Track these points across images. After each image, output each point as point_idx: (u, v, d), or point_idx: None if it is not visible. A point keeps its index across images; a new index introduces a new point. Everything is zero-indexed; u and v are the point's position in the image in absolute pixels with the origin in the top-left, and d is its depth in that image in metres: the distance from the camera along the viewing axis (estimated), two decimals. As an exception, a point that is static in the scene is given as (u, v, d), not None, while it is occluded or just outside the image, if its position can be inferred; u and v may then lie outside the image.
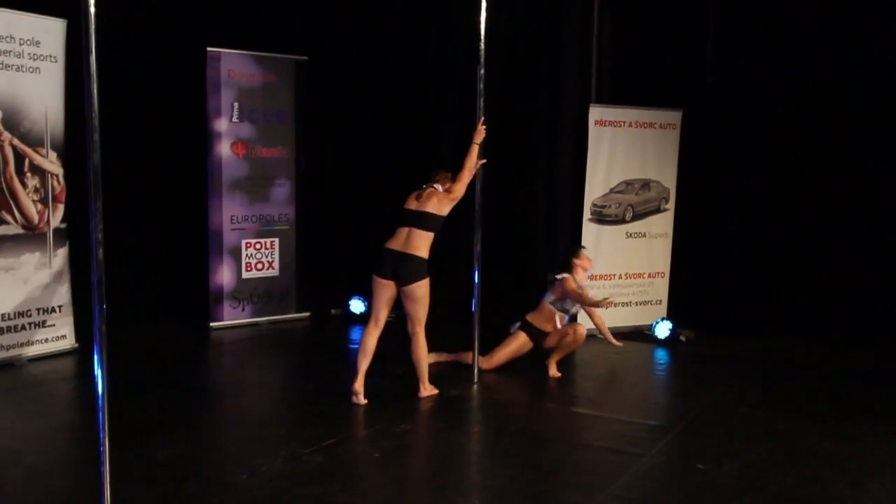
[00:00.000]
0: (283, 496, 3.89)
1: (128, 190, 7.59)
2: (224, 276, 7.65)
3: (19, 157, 6.20)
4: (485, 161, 5.73)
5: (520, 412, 5.33)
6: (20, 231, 6.25)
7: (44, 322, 6.45)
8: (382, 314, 5.45)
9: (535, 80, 8.01)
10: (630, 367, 6.43)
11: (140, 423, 4.86)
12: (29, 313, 6.33)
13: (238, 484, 4.04)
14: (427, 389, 5.54)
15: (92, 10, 3.26)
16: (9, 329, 6.19)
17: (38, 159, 6.35)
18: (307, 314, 8.17)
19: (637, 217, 7.78)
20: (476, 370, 5.99)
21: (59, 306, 6.55)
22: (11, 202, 6.18)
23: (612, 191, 7.69)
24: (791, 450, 4.63)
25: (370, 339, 5.44)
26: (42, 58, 6.29)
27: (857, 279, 7.30)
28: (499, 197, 7.68)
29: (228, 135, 7.56)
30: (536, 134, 8.05)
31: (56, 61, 6.39)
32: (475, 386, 5.89)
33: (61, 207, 6.53)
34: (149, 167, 7.93)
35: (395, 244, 5.35)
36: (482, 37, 5.74)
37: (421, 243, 5.31)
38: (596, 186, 7.63)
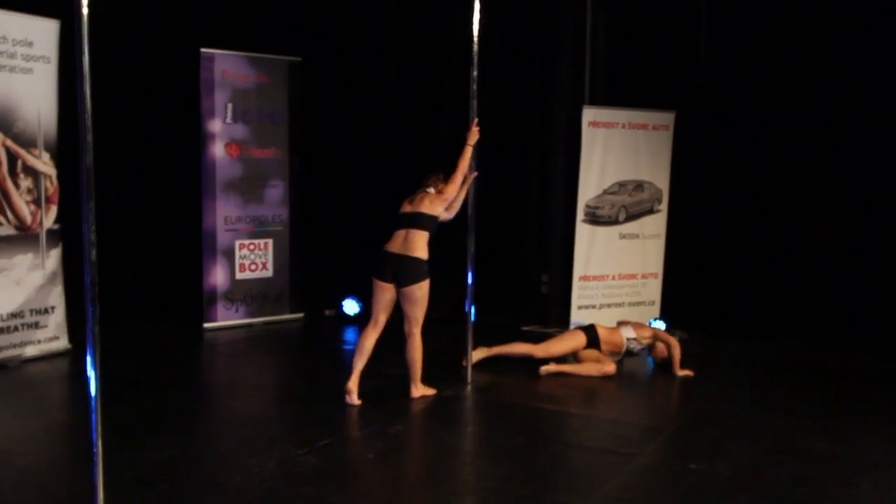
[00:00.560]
0: (277, 497, 3.88)
1: (121, 191, 7.57)
2: (218, 277, 7.64)
3: (12, 158, 6.19)
4: (477, 174, 5.76)
5: (513, 413, 5.33)
6: (13, 232, 6.24)
7: (37, 323, 6.43)
8: (382, 316, 5.47)
9: (529, 82, 8.02)
10: (623, 368, 6.44)
11: (133, 425, 4.85)
12: (22, 314, 6.32)
13: (232, 485, 4.03)
14: (419, 390, 5.55)
15: (85, 10, 3.26)
16: (1, 330, 6.17)
17: (31, 160, 6.33)
18: (301, 315, 8.17)
19: (630, 218, 7.80)
20: (469, 371, 5.99)
21: (53, 307, 6.54)
22: (4, 203, 6.16)
23: (605, 192, 7.70)
24: (784, 450, 4.65)
25: (368, 341, 5.46)
26: (35, 58, 6.28)
27: (850, 281, 7.32)
28: (492, 198, 7.68)
29: (222, 136, 7.56)
30: (530, 135, 8.07)
31: (49, 62, 6.38)
32: (469, 387, 5.89)
33: (54, 208, 6.52)
34: (142, 168, 7.92)
35: (394, 246, 5.38)
36: (475, 38, 5.75)
37: (419, 244, 5.34)
38: (589, 187, 7.65)
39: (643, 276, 7.90)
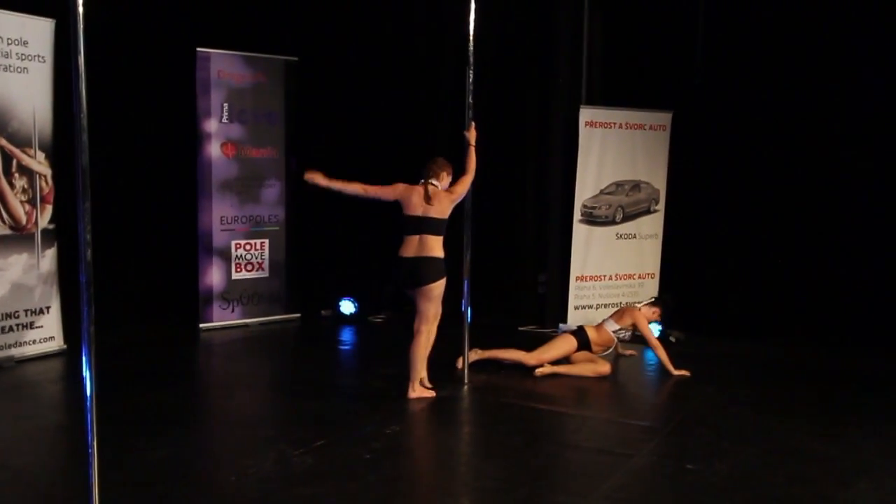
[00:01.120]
0: (273, 498, 3.87)
1: (117, 190, 7.55)
2: (214, 277, 7.63)
3: (7, 158, 6.17)
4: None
5: (510, 413, 5.33)
6: (8, 232, 6.22)
7: (32, 323, 6.41)
8: (425, 317, 5.48)
9: (526, 82, 8.02)
10: (619, 367, 6.44)
11: (129, 425, 4.83)
12: (17, 314, 6.30)
13: (228, 486, 4.02)
14: (416, 391, 5.52)
15: (80, 9, 3.24)
16: (-4, 330, 6.16)
17: (26, 160, 6.31)
18: (297, 315, 8.15)
19: (627, 218, 7.80)
20: (466, 371, 5.99)
21: (48, 307, 6.52)
22: (-1, 203, 6.15)
23: (602, 192, 7.70)
24: (780, 450, 4.65)
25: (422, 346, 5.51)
26: (30, 58, 6.26)
27: (846, 281, 7.33)
28: (490, 198, 7.68)
29: (218, 135, 7.54)
30: (527, 135, 8.07)
31: (44, 61, 6.36)
32: (466, 387, 5.88)
33: (49, 208, 6.50)
34: (138, 168, 7.90)
35: (409, 251, 5.37)
36: (472, 38, 5.75)
37: (434, 246, 5.37)
38: (586, 188, 7.65)
39: (640, 277, 7.91)
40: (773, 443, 4.77)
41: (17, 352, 6.28)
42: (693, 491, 4.06)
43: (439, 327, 5.59)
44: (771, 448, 4.67)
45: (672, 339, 7.31)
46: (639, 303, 7.03)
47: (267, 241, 7.90)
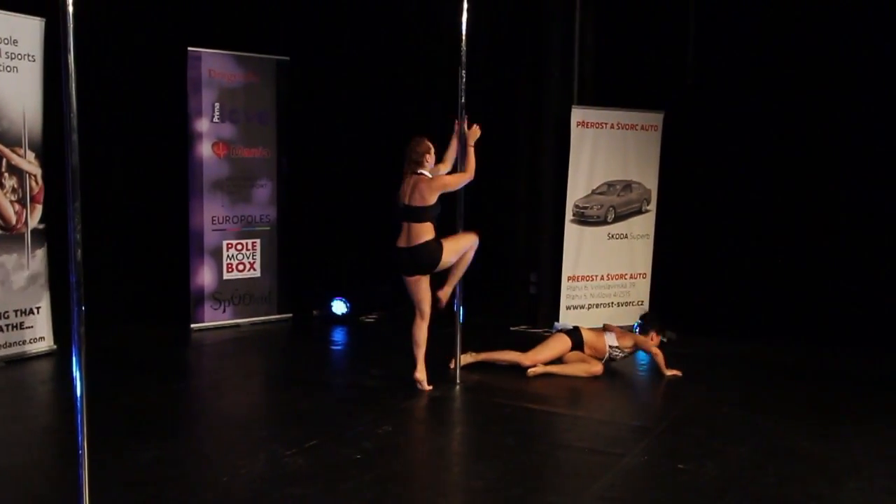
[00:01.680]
0: (264, 498, 3.87)
1: (107, 190, 7.52)
2: (205, 277, 7.60)
3: (-3, 157, 6.14)
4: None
5: (502, 413, 5.33)
6: (-3, 232, 6.19)
7: (21, 324, 6.38)
8: (425, 305, 5.58)
9: (517, 82, 8.02)
10: (611, 367, 6.45)
11: (119, 426, 4.82)
12: (6, 315, 6.26)
13: (219, 486, 4.01)
14: (421, 370, 5.64)
15: (70, 8, 3.23)
16: (-14, 331, 6.13)
17: (16, 159, 6.28)
18: (289, 315, 8.13)
19: (619, 218, 7.81)
20: (458, 371, 5.99)
21: (37, 308, 6.49)
22: (-11, 203, 6.12)
23: (594, 192, 7.71)
24: (771, 449, 4.67)
25: (419, 332, 5.61)
26: (20, 57, 6.23)
27: (837, 281, 7.36)
28: (481, 198, 7.68)
29: (209, 135, 7.52)
30: (519, 135, 8.06)
31: (34, 60, 6.33)
32: (458, 387, 5.88)
33: (39, 208, 6.47)
34: (128, 167, 7.87)
35: (403, 241, 5.47)
36: (464, 38, 5.74)
37: (421, 233, 5.42)
38: (578, 188, 7.66)
39: (632, 277, 7.92)
40: (764, 442, 4.78)
41: (6, 352, 6.25)
42: (685, 490, 4.07)
43: (431, 326, 5.62)
44: (762, 447, 4.69)
45: (664, 339, 7.32)
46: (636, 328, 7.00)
47: (258, 241, 7.88)
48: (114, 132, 7.54)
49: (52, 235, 6.49)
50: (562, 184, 7.66)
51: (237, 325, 7.78)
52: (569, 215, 7.65)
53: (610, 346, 6.39)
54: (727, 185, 7.73)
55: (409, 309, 5.72)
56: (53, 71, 6.06)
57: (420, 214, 5.40)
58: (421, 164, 5.48)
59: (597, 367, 6.18)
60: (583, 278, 7.73)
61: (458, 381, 5.95)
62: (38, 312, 6.49)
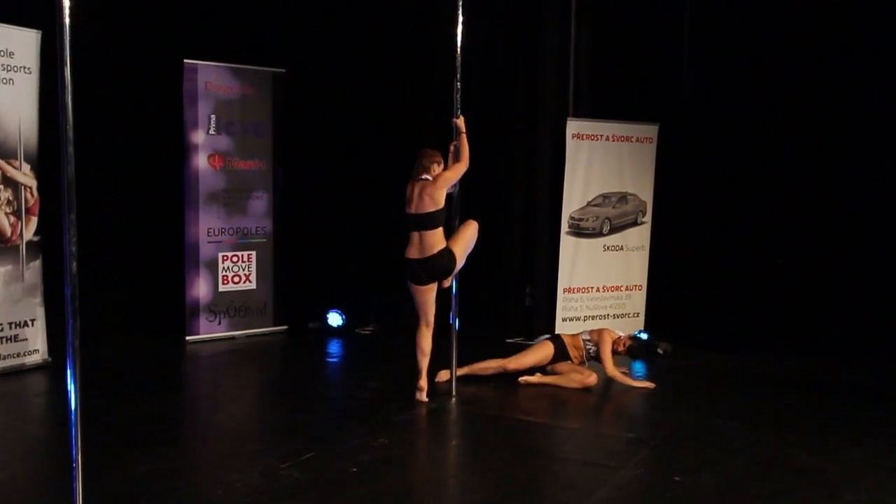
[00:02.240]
0: (259, 512, 3.85)
1: (103, 202, 7.51)
2: (200, 289, 7.59)
3: (-8, 169, 6.14)
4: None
5: (498, 426, 5.31)
6: (-8, 244, 6.17)
7: (16, 336, 6.36)
8: (430, 314, 5.61)
9: (513, 94, 8.04)
10: (607, 380, 6.44)
11: (114, 439, 4.79)
12: (1, 327, 6.24)
13: (214, 499, 3.99)
14: (423, 378, 5.67)
15: (67, 20, 3.23)
16: (-20, 343, 6.11)
17: (12, 171, 6.28)
18: (284, 328, 8.12)
19: (614, 230, 7.82)
20: (454, 384, 5.97)
21: (32, 320, 6.47)
22: (-16, 215, 6.11)
23: (589, 204, 7.73)
24: (767, 462, 4.66)
25: (424, 340, 5.63)
26: (16, 69, 6.24)
27: (833, 293, 7.36)
28: (477, 210, 7.68)
29: (205, 147, 7.52)
30: (514, 147, 8.08)
31: (30, 72, 6.34)
32: (453, 399, 5.87)
33: (34, 220, 6.46)
34: (124, 180, 7.86)
35: (413, 252, 5.49)
36: (459, 50, 5.76)
37: (435, 241, 5.46)
38: (573, 199, 7.67)
39: (627, 288, 7.92)
40: (760, 455, 4.77)
41: (0, 365, 6.22)
42: (680, 503, 4.06)
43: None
44: (758, 460, 4.68)
45: (660, 351, 7.33)
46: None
47: (254, 253, 7.88)
48: (110, 144, 7.54)
49: (47, 247, 6.48)
50: (557, 195, 7.67)
51: (233, 338, 7.76)
52: (564, 227, 7.66)
53: (584, 341, 6.41)
54: (722, 196, 7.74)
55: (405, 321, 5.72)
56: (49, 83, 6.07)
57: (431, 221, 5.44)
58: (428, 171, 5.55)
59: (591, 379, 6.17)
60: (578, 290, 7.74)
61: (453, 393, 5.93)
62: (32, 325, 6.47)
